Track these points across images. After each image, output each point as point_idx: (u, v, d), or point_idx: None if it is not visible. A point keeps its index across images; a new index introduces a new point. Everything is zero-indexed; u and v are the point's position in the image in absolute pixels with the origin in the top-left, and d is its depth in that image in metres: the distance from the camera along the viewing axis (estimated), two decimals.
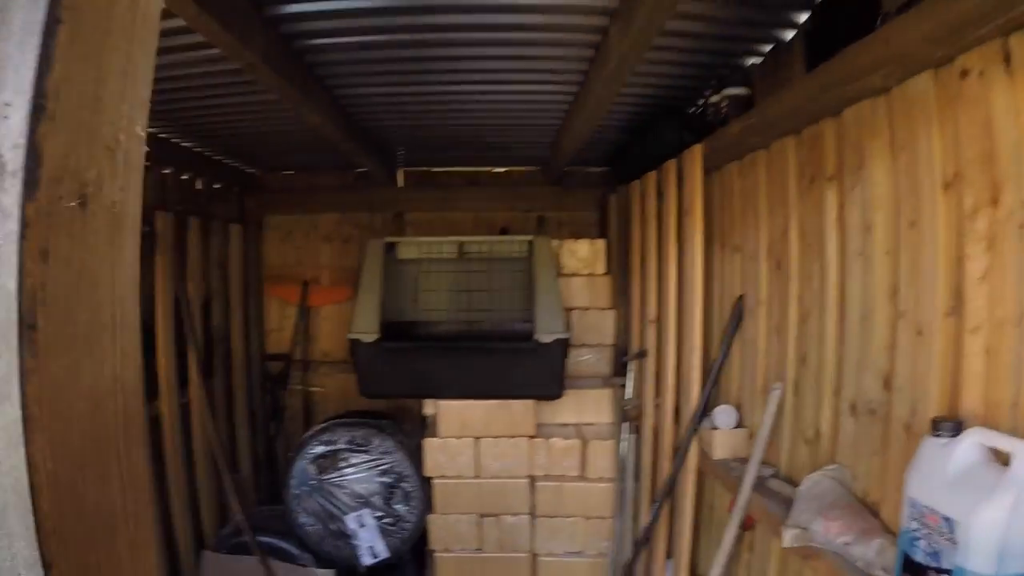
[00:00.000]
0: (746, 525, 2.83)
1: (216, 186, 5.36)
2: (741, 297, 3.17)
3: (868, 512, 2.07)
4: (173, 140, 4.61)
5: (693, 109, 3.57)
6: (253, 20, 2.60)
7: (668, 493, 3.50)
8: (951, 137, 1.76)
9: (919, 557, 1.57)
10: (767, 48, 2.95)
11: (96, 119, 0.83)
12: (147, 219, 4.06)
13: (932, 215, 1.82)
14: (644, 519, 4.04)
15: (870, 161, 2.13)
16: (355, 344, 4.24)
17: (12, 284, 0.71)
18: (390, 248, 4.54)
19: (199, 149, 4.94)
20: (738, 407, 3.18)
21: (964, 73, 1.71)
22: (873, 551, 1.87)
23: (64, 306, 0.78)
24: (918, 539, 1.58)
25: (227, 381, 5.35)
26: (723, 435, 3.10)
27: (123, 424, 0.89)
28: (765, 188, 2.92)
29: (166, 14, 2.53)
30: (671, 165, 3.63)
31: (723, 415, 3.14)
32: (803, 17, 2.69)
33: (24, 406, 0.72)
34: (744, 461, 2.95)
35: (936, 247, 1.80)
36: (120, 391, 0.88)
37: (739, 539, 2.92)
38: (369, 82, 3.55)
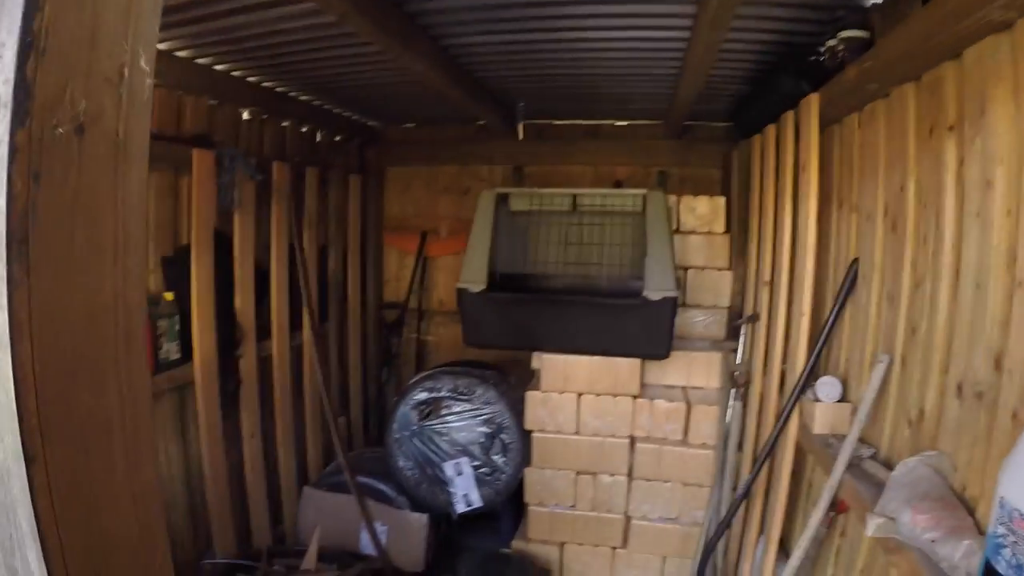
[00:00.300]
0: (840, 508, 2.58)
1: (337, 138, 5.40)
2: (855, 260, 2.86)
3: (963, 508, 1.79)
4: (291, 94, 4.64)
5: (813, 57, 3.23)
6: None
7: (763, 462, 3.24)
8: None
9: (1001, 568, 1.32)
10: None
11: (93, 55, 0.87)
12: (264, 169, 4.11)
13: None
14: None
15: (991, 108, 1.81)
16: (461, 293, 4.15)
17: (1, 202, 0.77)
18: (503, 199, 4.40)
19: (318, 103, 4.96)
20: (844, 380, 2.89)
21: None
22: (959, 553, 1.61)
23: (58, 225, 0.83)
24: (1003, 547, 1.33)
25: (341, 327, 5.44)
26: (824, 408, 2.82)
27: (124, 339, 0.94)
28: (884, 141, 2.59)
29: None
30: (788, 117, 3.31)
31: (826, 387, 2.86)
32: None
33: (11, 313, 0.78)
34: (844, 438, 2.68)
35: None
36: (122, 308, 0.94)
37: (832, 522, 2.66)
38: (475, 30, 3.39)
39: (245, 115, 4.25)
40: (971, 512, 1.77)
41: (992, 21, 1.72)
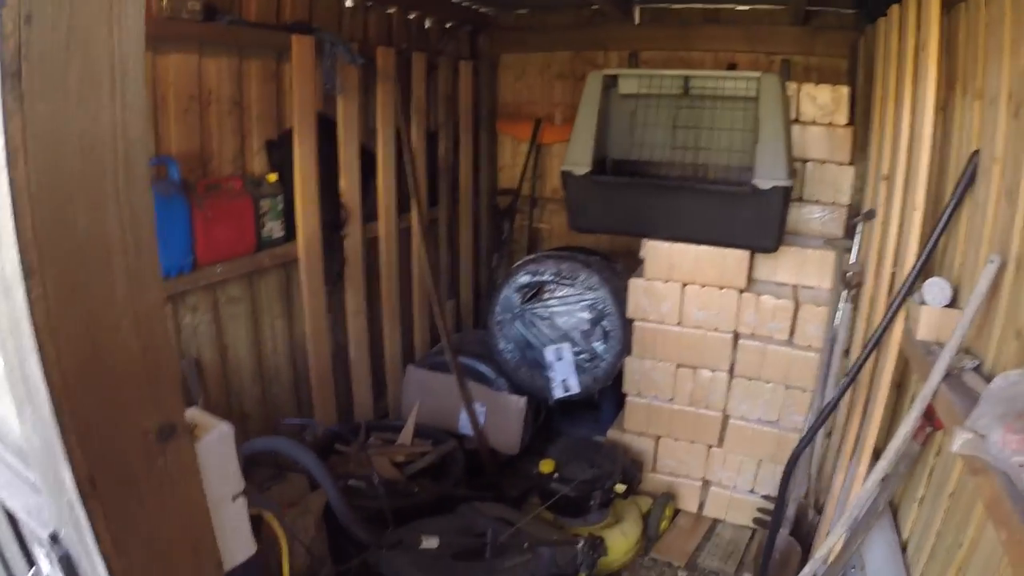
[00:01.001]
0: (938, 423, 2.32)
1: (447, 25, 5.20)
2: (976, 152, 2.48)
3: None
4: None
5: None
6: None
7: (865, 358, 2.91)
8: None
9: None
10: None
11: None
12: (368, 54, 3.99)
13: None
14: (848, 396, 3.54)
15: None
16: (566, 176, 3.98)
17: None
18: (612, 82, 4.12)
19: None
20: (956, 283, 2.56)
21: None
22: None
23: (51, 61, 0.87)
24: None
25: (452, 212, 5.39)
26: (929, 312, 2.50)
27: (123, 166, 0.97)
28: (1010, 15, 2.17)
29: None
30: None
31: (934, 289, 2.53)
32: None
33: (7, 139, 0.84)
34: None
35: None
36: (121, 137, 0.96)
37: (928, 439, 2.41)
38: None
39: (348, 3, 4.10)
40: None
41: None
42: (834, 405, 3.17)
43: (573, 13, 5.41)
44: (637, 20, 5.14)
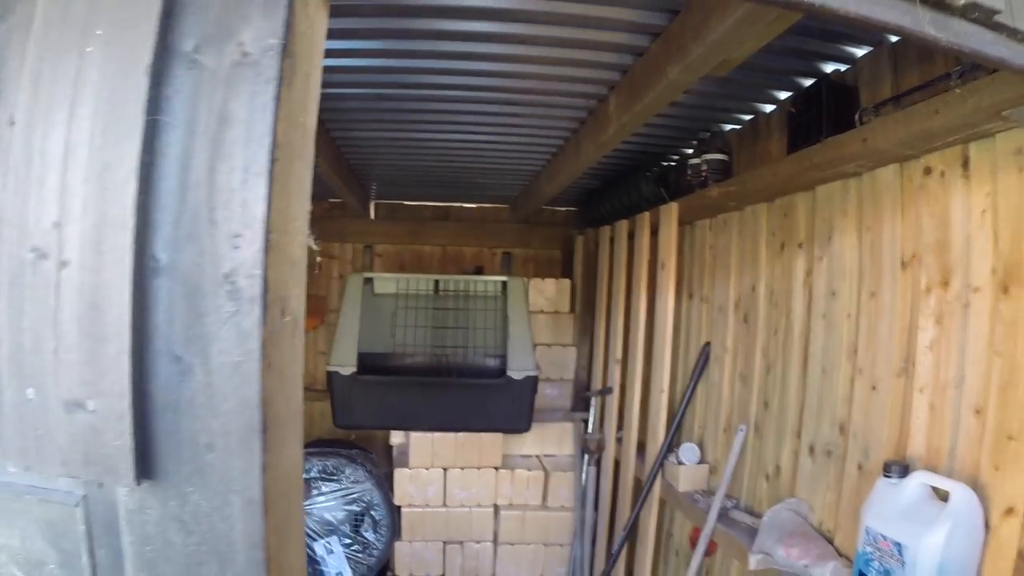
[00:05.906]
0: (709, 551, 3.18)
1: None
2: (707, 344, 3.54)
3: (823, 539, 2.44)
4: None
5: (671, 163, 3.97)
6: None
7: (635, 523, 3.80)
8: (912, 223, 2.14)
9: (872, 574, 1.93)
10: (746, 118, 3.33)
11: (287, 240, 0.97)
12: None
13: (891, 289, 2.20)
14: (601, 545, 4.41)
15: (838, 235, 2.51)
16: (332, 376, 4.36)
17: (254, 396, 0.89)
18: (368, 282, 4.75)
19: None
20: (700, 445, 3.55)
21: (928, 171, 2.08)
22: (829, 571, 2.23)
23: (274, 406, 0.94)
24: (872, 560, 1.94)
25: None
26: (688, 470, 3.45)
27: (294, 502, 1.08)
28: (736, 247, 3.30)
29: None
30: (645, 217, 3.93)
31: (688, 452, 3.51)
32: (784, 95, 2.99)
33: (264, 496, 0.91)
34: (705, 493, 3.34)
35: (892, 317, 2.19)
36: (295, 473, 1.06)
37: (701, 566, 3.27)
38: (361, 127, 3.77)
39: None
40: (830, 541, 2.43)
41: (845, 172, 2.41)
42: (616, 556, 3.98)
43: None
44: (372, 215, 5.88)
